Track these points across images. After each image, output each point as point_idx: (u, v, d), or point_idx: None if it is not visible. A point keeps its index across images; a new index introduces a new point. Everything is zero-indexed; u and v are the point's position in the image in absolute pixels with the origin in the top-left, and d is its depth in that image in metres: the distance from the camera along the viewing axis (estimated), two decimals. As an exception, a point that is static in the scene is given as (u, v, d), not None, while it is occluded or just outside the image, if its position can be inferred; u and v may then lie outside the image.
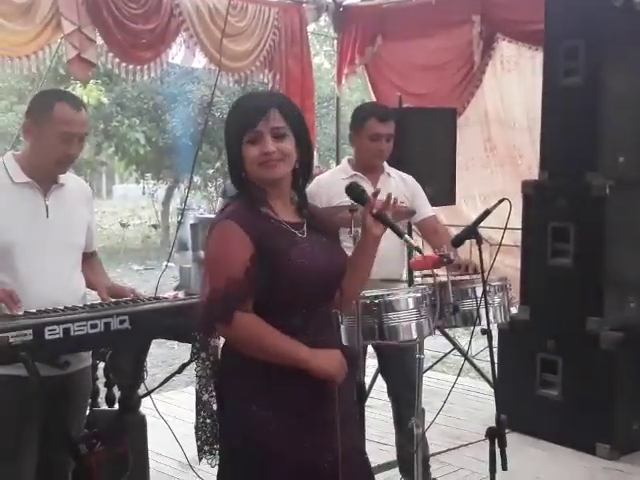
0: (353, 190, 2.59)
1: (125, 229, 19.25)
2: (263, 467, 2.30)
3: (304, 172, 2.48)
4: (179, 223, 9.38)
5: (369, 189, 3.73)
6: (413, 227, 4.34)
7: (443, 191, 5.68)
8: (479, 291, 3.38)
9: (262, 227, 2.35)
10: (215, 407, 2.43)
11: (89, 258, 3.22)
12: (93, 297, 3.10)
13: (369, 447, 2.90)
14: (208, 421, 2.45)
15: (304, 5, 6.78)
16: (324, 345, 2.37)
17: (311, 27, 7.13)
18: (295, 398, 2.33)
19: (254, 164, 2.33)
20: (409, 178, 4.17)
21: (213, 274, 2.36)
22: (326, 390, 2.32)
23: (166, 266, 6.83)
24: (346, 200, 3.35)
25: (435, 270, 3.95)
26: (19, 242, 2.82)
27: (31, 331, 2.36)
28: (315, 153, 6.52)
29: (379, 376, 4.44)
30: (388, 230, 3.73)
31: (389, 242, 3.78)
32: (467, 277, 3.61)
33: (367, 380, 4.87)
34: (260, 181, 2.39)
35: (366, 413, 3.10)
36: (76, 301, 2.87)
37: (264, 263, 2.31)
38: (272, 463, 2.30)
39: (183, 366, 2.93)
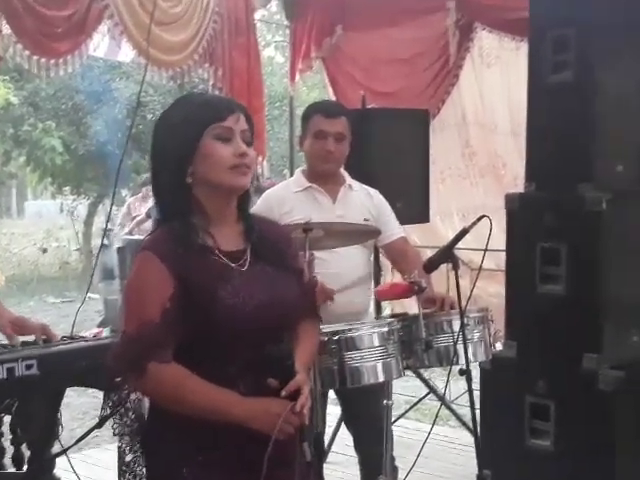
0: None
1: (42, 254, 19.07)
2: None
3: (250, 187, 2.53)
4: (103, 246, 9.29)
5: (327, 203, 4.04)
6: (380, 250, 4.43)
7: (415, 207, 5.79)
8: (456, 324, 3.42)
9: (188, 258, 2.32)
10: (141, 470, 2.41)
11: None
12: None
13: None
14: None
15: (251, -11, 7.25)
16: (271, 394, 2.32)
17: (259, 14, 7.12)
18: (232, 460, 2.32)
19: (223, 166, 2.33)
20: (375, 193, 4.23)
21: (126, 316, 2.32)
22: (273, 449, 2.26)
23: (87, 298, 6.58)
24: (299, 218, 3.60)
25: (404, 300, 4.04)
26: None
27: None
28: (265, 163, 6.60)
29: (342, 426, 4.47)
30: (352, 248, 3.91)
31: (353, 262, 4.01)
32: (442, 312, 3.60)
33: (328, 432, 4.89)
34: (219, 193, 2.37)
35: (326, 471, 3.24)
36: None
37: (188, 303, 2.29)
38: None
39: (104, 419, 2.89)
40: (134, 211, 11.81)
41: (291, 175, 5.89)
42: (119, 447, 2.50)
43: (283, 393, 2.24)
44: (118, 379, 2.40)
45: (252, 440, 2.25)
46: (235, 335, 2.31)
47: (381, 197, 4.24)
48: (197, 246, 2.34)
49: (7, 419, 3.25)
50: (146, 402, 2.45)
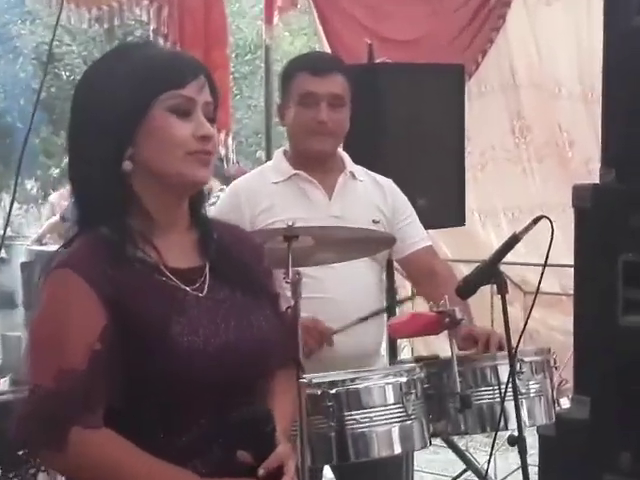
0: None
1: None
2: None
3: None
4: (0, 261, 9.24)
5: (319, 198, 3.99)
6: (396, 266, 4.44)
7: (444, 205, 5.64)
8: (504, 373, 3.35)
9: (125, 280, 2.19)
10: None
11: None
12: None
13: None
14: None
15: None
16: (241, 474, 2.20)
17: None
18: None
19: (178, 151, 2.23)
20: (388, 184, 4.13)
21: (37, 362, 2.18)
22: None
23: None
24: (279, 219, 3.58)
25: (431, 337, 4.01)
26: None
27: None
28: (231, 141, 6.56)
29: None
30: (356, 263, 3.91)
31: (357, 283, 4.02)
32: (485, 354, 3.59)
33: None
34: (171, 187, 2.29)
35: None
36: None
37: (126, 343, 2.15)
38: None
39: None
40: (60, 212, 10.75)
41: (268, 159, 5.78)
42: None
43: (261, 472, 2.16)
44: (24, 452, 2.27)
45: None
46: (191, 389, 2.17)
47: (397, 189, 4.13)
48: (136, 262, 2.22)
49: None
50: None
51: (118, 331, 2.15)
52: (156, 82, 2.24)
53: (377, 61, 5.59)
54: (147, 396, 2.20)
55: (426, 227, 4.27)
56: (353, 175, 4.04)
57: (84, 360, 2.11)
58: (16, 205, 10.16)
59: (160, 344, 2.17)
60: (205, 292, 2.31)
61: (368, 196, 4.05)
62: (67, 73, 13.17)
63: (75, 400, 2.11)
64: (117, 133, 2.23)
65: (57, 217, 10.59)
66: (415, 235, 4.10)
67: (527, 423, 3.49)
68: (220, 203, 3.75)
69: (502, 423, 3.40)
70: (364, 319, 3.86)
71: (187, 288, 2.28)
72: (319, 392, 3.23)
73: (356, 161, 4.12)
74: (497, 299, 3.40)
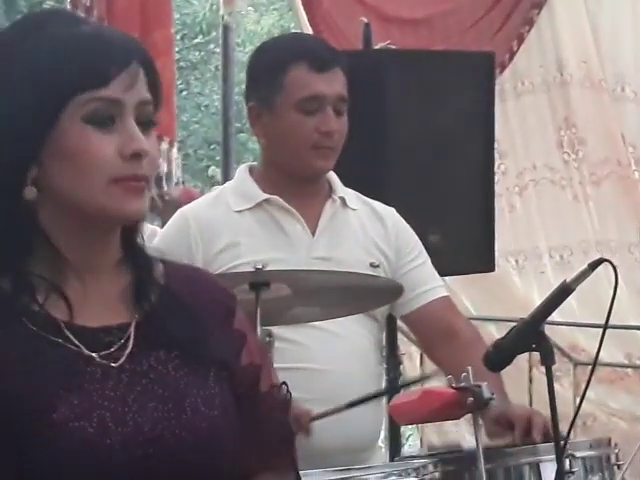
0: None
1: None
2: None
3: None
4: None
5: (300, 233, 4.09)
6: (400, 324, 4.29)
7: (467, 242, 5.34)
8: (549, 472, 3.36)
9: (6, 343, 2.09)
10: None
11: None
12: None
13: None
14: None
15: None
16: None
17: None
18: None
19: (99, 175, 2.04)
20: (389, 213, 4.00)
21: None
22: None
23: None
24: (246, 261, 3.66)
25: (449, 422, 4.00)
26: None
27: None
28: (176, 152, 6.51)
29: None
30: (348, 321, 4.15)
31: (349, 348, 4.25)
32: (524, 446, 3.42)
33: None
34: (100, 218, 2.10)
35: None
36: None
37: (7, 424, 2.04)
38: None
39: None
40: None
41: (226, 178, 5.49)
42: None
43: None
44: None
45: None
46: None
47: (402, 221, 3.98)
48: (27, 318, 2.11)
49: None
50: None
51: None
52: (66, 80, 2.05)
53: (377, 47, 5.18)
54: None
55: (442, 273, 4.05)
56: (344, 202, 3.87)
57: None
58: None
59: (41, 431, 2.06)
60: (121, 361, 2.13)
61: (364, 230, 3.90)
62: None
63: None
64: (16, 150, 2.08)
65: None
66: (426, 283, 3.96)
67: None
68: (161, 238, 3.51)
69: None
70: (355, 404, 3.76)
71: (93, 354, 2.10)
72: None
73: (346, 181, 3.95)
74: (539, 372, 3.38)
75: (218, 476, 2.27)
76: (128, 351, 2.21)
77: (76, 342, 2.17)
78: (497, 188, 5.63)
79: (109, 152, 2.12)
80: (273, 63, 4.02)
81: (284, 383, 2.40)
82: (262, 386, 2.33)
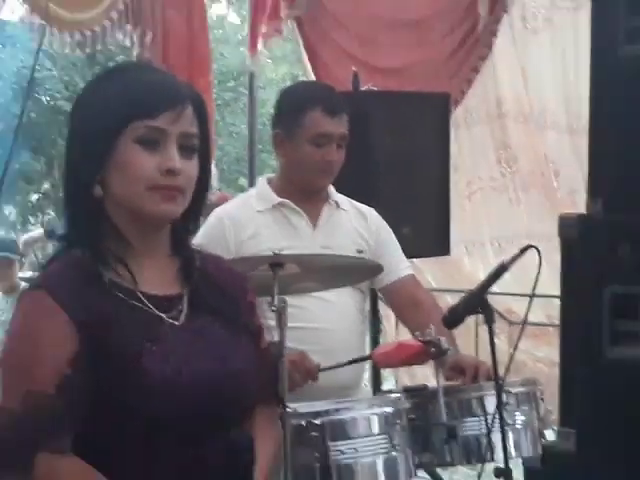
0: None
1: None
2: None
3: (195, 212, 2.11)
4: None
5: (305, 228, 3.59)
6: (379, 295, 3.94)
7: (429, 234, 4.89)
8: (491, 404, 2.98)
9: (99, 305, 1.93)
10: None
11: None
12: None
13: None
14: None
15: None
16: None
17: None
18: None
19: (140, 184, 1.96)
20: (371, 213, 3.63)
21: (6, 384, 1.96)
22: None
23: None
24: (264, 248, 3.18)
25: (416, 367, 3.52)
26: None
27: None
28: (214, 168, 5.98)
29: None
30: (341, 292, 3.61)
31: (342, 312, 3.69)
32: (472, 385, 3.21)
33: None
34: (138, 218, 2.02)
35: None
36: None
37: (97, 368, 1.89)
38: None
39: None
40: None
41: (251, 185, 5.17)
42: None
43: None
44: None
45: None
46: (162, 422, 1.92)
47: (380, 219, 3.65)
48: (112, 286, 1.99)
49: None
50: None
51: (90, 357, 1.96)
52: (126, 111, 2.05)
53: (362, 89, 4.98)
54: (116, 425, 1.98)
55: (410, 256, 3.88)
56: (337, 204, 3.71)
57: (53, 385, 1.92)
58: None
59: (132, 372, 1.98)
60: (181, 321, 2.10)
61: (352, 225, 3.74)
62: (47, 98, 11.55)
63: (42, 425, 1.93)
64: (88, 158, 2.07)
65: (36, 232, 9.83)
66: (398, 263, 3.76)
67: (513, 455, 3.18)
68: (203, 231, 3.05)
69: (488, 455, 3.15)
70: (352, 362, 3.62)
71: (163, 315, 2.07)
72: (303, 422, 2.92)
73: (341, 190, 3.78)
74: (482, 330, 3.09)
75: (246, 404, 2.17)
76: (184, 314, 2.08)
77: (149, 305, 2.02)
78: (452, 194, 5.55)
79: (150, 167, 2.00)
80: (296, 104, 3.73)
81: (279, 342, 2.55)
82: (262, 343, 2.32)
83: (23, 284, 7.11)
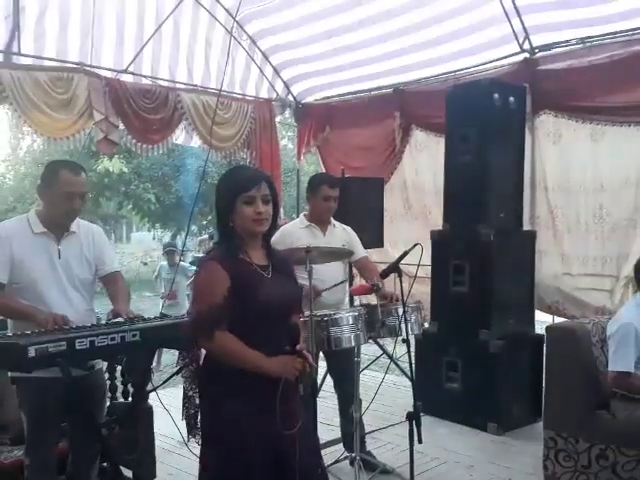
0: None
1: (142, 266, 19.08)
2: (232, 446, 2.18)
3: (273, 228, 2.39)
4: (181, 260, 9.13)
5: (319, 235, 3.85)
6: (352, 265, 4.09)
7: (374, 237, 5.51)
8: (400, 311, 3.29)
9: (238, 268, 2.24)
10: (197, 401, 2.35)
11: (112, 279, 2.99)
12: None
13: (320, 428, 2.96)
14: (192, 411, 2.41)
15: (273, 102, 6.65)
16: (281, 354, 2.24)
17: (278, 118, 6.87)
18: (257, 395, 2.20)
19: (247, 220, 2.25)
20: (348, 228, 4.03)
21: (199, 300, 2.22)
22: (283, 387, 2.16)
23: (169, 292, 6.92)
24: (302, 243, 3.39)
25: (368, 296, 3.93)
26: (40, 277, 2.76)
27: (65, 343, 2.33)
28: (281, 210, 6.27)
29: (328, 375, 4.26)
30: (334, 263, 3.71)
31: (335, 271, 3.74)
32: (391, 303, 3.46)
33: (320, 378, 4.83)
34: (248, 233, 2.29)
35: (318, 402, 3.08)
36: (81, 318, 2.75)
37: (237, 295, 2.20)
38: (239, 443, 2.18)
39: (180, 369, 2.89)
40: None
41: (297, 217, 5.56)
42: (184, 387, 2.47)
43: (287, 348, 2.18)
44: (192, 342, 2.26)
45: (271, 383, 2.17)
46: (263, 317, 2.21)
47: (352, 231, 4.01)
48: (242, 260, 2.26)
49: (119, 368, 3.29)
50: (201, 358, 2.36)
51: (234, 289, 2.18)
52: (237, 190, 2.23)
53: (346, 176, 5.48)
54: (246, 318, 2.17)
55: (365, 247, 4.10)
56: (334, 225, 3.97)
57: (221, 299, 2.15)
58: (189, 237, 9.98)
59: (254, 297, 2.19)
60: (270, 275, 2.28)
61: (340, 234, 3.95)
62: (210, 180, 13.06)
63: (217, 317, 2.15)
64: (225, 212, 2.27)
65: (206, 236, 10.28)
66: (360, 251, 3.95)
67: (410, 333, 3.38)
68: (276, 236, 3.46)
69: (399, 333, 3.29)
70: (337, 285, 3.77)
71: (263, 273, 2.28)
72: (319, 319, 3.17)
73: (337, 219, 3.97)
74: (397, 280, 3.18)
75: (294, 307, 2.30)
76: (270, 272, 2.26)
77: (259, 269, 2.24)
78: (385, 220, 5.68)
79: (250, 212, 2.20)
80: (314, 182, 3.83)
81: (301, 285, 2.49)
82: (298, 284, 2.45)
83: (180, 262, 7.48)
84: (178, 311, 6.41)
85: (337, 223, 4.00)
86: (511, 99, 4.70)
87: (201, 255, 7.87)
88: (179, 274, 7.24)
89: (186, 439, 2.53)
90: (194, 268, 7.74)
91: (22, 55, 4.81)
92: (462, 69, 5.42)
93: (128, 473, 3.19)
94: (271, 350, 2.21)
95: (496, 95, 4.57)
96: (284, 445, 2.19)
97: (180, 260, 7.06)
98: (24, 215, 2.91)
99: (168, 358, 6.84)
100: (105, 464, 3.02)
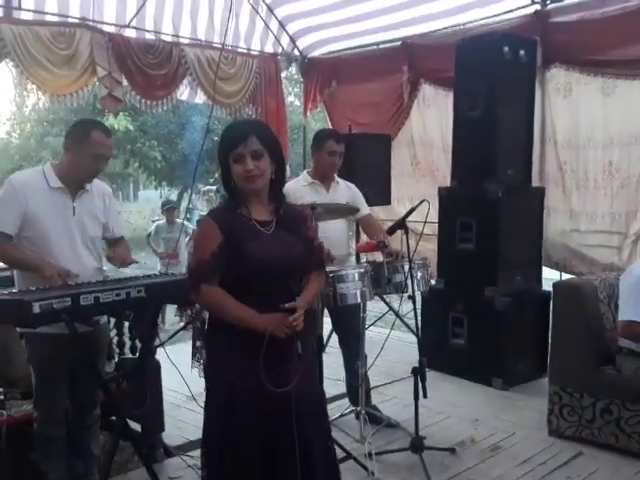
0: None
1: (150, 224, 18.84)
2: (230, 396, 2.19)
3: (279, 181, 2.32)
4: (187, 219, 8.87)
5: (323, 192, 3.82)
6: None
7: (381, 195, 5.53)
8: (407, 268, 3.29)
9: (233, 223, 2.23)
10: (203, 352, 2.39)
11: (117, 244, 3.04)
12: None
13: (326, 383, 2.87)
14: (201, 360, 2.48)
15: (278, 57, 6.58)
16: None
17: (284, 73, 6.79)
18: (251, 350, 2.16)
19: (239, 178, 2.23)
20: (352, 185, 4.01)
21: (193, 255, 2.27)
22: (278, 345, 2.15)
23: (173, 250, 6.84)
24: (306, 201, 3.35)
25: (375, 252, 3.91)
26: (52, 232, 2.74)
27: (70, 299, 2.33)
28: (288, 167, 6.29)
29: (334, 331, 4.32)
30: (339, 220, 3.69)
31: (339, 228, 3.75)
32: (397, 260, 3.43)
33: (325, 334, 4.75)
34: (243, 190, 2.27)
35: (324, 358, 3.11)
36: (91, 275, 2.76)
37: (230, 251, 2.19)
38: (237, 393, 2.19)
39: (186, 325, 2.91)
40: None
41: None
42: (192, 338, 2.56)
43: (281, 306, 2.16)
44: (188, 296, 2.30)
45: (263, 340, 2.16)
46: (255, 275, 2.19)
47: (356, 188, 3.98)
48: (241, 215, 2.24)
49: (127, 324, 3.35)
50: (206, 314, 2.39)
51: (227, 244, 2.18)
52: (227, 148, 2.19)
53: (353, 132, 5.52)
54: (238, 275, 2.17)
55: (372, 205, 4.24)
56: (338, 182, 3.94)
57: (209, 256, 2.17)
58: (193, 195, 9.89)
59: (243, 253, 2.17)
60: (271, 231, 2.25)
61: (344, 191, 3.91)
62: (216, 137, 13.20)
63: (204, 272, 2.17)
64: (223, 168, 2.23)
65: (209, 187, 10.19)
66: (364, 208, 3.90)
67: (416, 290, 3.37)
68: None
69: (405, 289, 3.30)
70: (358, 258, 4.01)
71: (262, 229, 2.24)
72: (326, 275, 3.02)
73: (344, 175, 4.04)
74: (404, 237, 3.16)
75: (297, 270, 2.26)
76: (272, 228, 2.23)
77: (257, 225, 2.20)
78: (392, 178, 5.64)
79: (240, 170, 2.16)
80: (320, 136, 3.80)
81: (320, 242, 2.44)
82: (315, 242, 2.37)
83: (178, 220, 7.28)
84: (180, 271, 6.31)
85: (340, 180, 3.95)
86: (521, 52, 4.62)
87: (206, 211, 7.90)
88: (178, 231, 7.05)
89: (195, 394, 2.62)
90: (193, 227, 7.73)
91: (23, 10, 4.76)
92: (471, 21, 5.36)
93: (137, 427, 3.23)
94: (269, 310, 2.17)
95: (506, 48, 4.48)
96: (278, 406, 2.16)
97: (186, 218, 7.08)
98: (39, 167, 2.88)
99: (174, 317, 7.03)
100: (113, 418, 3.01)
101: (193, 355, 2.53)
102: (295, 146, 14.94)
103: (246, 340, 2.18)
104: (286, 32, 6.59)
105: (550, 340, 3.76)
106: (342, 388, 4.07)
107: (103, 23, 5.20)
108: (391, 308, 4.96)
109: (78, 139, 2.76)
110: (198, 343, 2.46)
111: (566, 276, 4.96)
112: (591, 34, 4.63)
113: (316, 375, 2.71)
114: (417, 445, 3.24)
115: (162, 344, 2.99)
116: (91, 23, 5.09)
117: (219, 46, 5.57)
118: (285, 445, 2.19)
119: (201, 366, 2.42)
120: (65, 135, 2.88)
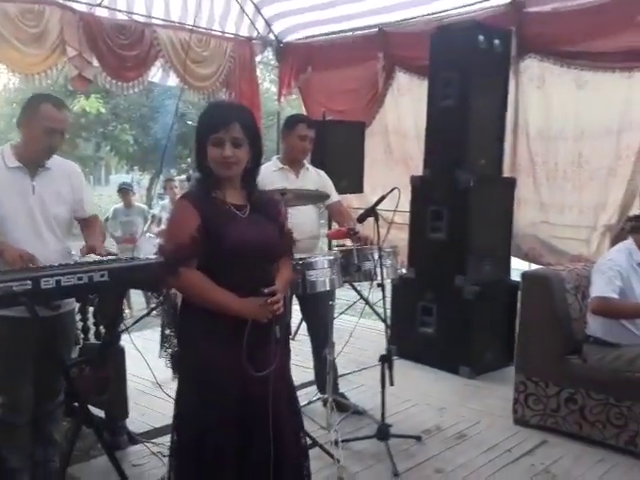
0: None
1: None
2: (206, 386, 2.16)
3: (255, 169, 2.29)
4: (159, 204, 8.93)
5: (293, 178, 3.77)
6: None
7: (355, 183, 5.55)
8: (376, 255, 3.28)
9: (209, 206, 2.21)
10: (174, 341, 2.45)
11: (89, 222, 2.97)
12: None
13: (294, 370, 2.78)
14: (169, 350, 2.50)
15: (253, 41, 6.56)
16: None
17: (259, 58, 6.73)
18: (231, 334, 2.15)
19: (215, 162, 2.19)
20: (322, 172, 3.97)
21: (167, 238, 2.23)
22: (257, 330, 2.13)
23: (143, 234, 6.76)
24: (277, 186, 3.30)
25: (345, 239, 3.88)
26: (11, 214, 2.66)
27: (30, 282, 2.27)
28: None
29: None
30: (308, 207, 3.64)
31: (309, 215, 3.71)
32: (367, 246, 3.43)
33: (295, 322, 4.81)
34: (217, 174, 2.23)
35: (293, 345, 3.25)
36: (55, 258, 2.68)
37: (208, 234, 2.16)
38: (213, 383, 2.17)
39: (151, 310, 2.86)
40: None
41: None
42: (161, 325, 2.53)
43: (262, 290, 2.14)
44: (162, 282, 2.29)
45: (244, 324, 2.13)
46: (232, 257, 2.16)
47: (326, 175, 3.95)
48: (215, 199, 2.21)
49: (91, 309, 3.22)
50: (179, 298, 2.37)
51: (204, 228, 2.15)
52: (207, 130, 2.15)
53: (327, 119, 5.49)
54: (216, 258, 2.14)
55: (345, 193, 4.52)
56: (307, 168, 3.90)
57: (187, 238, 2.13)
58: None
59: (221, 236, 2.14)
60: (246, 215, 2.23)
61: (313, 177, 3.87)
62: (190, 122, 13.03)
63: (183, 255, 2.13)
64: (200, 152, 2.19)
65: (184, 178, 10.08)
66: (333, 196, 3.87)
67: (386, 278, 3.37)
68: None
69: (375, 277, 3.29)
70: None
71: (237, 212, 2.22)
72: (295, 262, 2.96)
73: (316, 163, 4.07)
74: (375, 224, 3.14)
75: (272, 254, 2.23)
76: (247, 213, 2.21)
77: (232, 209, 2.18)
78: (365, 166, 5.70)
79: (218, 155, 2.12)
80: (292, 120, 3.77)
81: (289, 228, 2.42)
82: (285, 228, 2.36)
83: (136, 204, 7.12)
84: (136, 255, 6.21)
85: (310, 167, 3.92)
86: (496, 42, 4.63)
87: (165, 202, 7.50)
88: (136, 215, 6.93)
89: (161, 381, 2.64)
90: (151, 210, 7.46)
91: (-11, -15, 5.01)
92: (448, 9, 5.34)
93: (101, 414, 3.20)
94: (247, 293, 2.16)
95: (481, 38, 4.48)
96: (256, 390, 2.16)
97: (153, 201, 6.95)
98: None
99: (140, 301, 6.71)
100: (76, 404, 2.98)
101: (162, 344, 2.54)
102: (270, 132, 14.99)
103: (224, 324, 2.15)
104: (261, 15, 6.52)
105: (517, 329, 3.75)
106: (310, 375, 4.06)
107: (74, 1, 5.10)
108: (361, 296, 4.97)
109: (28, 114, 2.67)
110: (167, 331, 2.43)
111: (535, 267, 4.95)
112: (565, 25, 4.66)
113: (289, 360, 2.73)
114: (383, 433, 3.27)
115: (127, 329, 2.92)
116: (61, 1, 4.99)
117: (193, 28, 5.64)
118: (259, 428, 2.16)
119: (169, 356, 2.45)
120: (20, 110, 2.78)
